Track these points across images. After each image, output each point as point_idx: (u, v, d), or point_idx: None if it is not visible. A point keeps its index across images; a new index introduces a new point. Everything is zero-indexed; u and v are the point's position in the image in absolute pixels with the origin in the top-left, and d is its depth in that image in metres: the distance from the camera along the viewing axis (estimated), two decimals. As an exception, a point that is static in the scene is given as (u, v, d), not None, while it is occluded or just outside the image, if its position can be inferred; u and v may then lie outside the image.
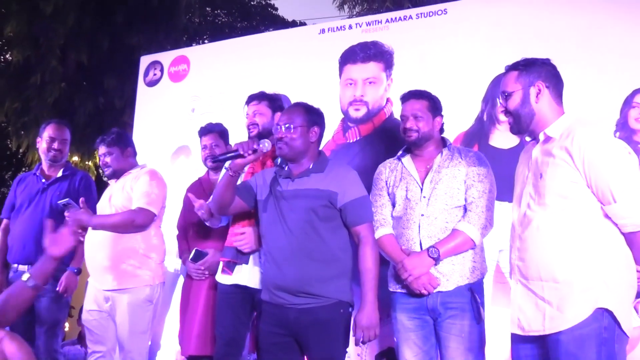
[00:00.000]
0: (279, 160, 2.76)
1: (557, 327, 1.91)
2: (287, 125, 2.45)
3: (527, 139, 2.17)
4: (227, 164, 2.56)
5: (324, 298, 2.37)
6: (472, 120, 3.09)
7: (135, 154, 3.27)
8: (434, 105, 2.53)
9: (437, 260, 2.34)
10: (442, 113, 2.56)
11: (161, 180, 3.17)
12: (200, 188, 3.23)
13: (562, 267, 1.92)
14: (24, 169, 7.48)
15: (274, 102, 2.89)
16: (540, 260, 1.97)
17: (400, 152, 2.61)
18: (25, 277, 2.00)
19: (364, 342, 2.35)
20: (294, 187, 2.47)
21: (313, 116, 2.52)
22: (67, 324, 6.17)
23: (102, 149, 3.19)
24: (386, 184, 2.59)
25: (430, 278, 2.35)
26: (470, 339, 2.31)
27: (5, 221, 3.50)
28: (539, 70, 2.06)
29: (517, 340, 2.06)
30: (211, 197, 2.71)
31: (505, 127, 3.00)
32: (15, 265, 3.38)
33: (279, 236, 2.44)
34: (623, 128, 2.76)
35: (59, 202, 3.05)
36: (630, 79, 2.76)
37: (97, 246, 3.04)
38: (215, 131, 3.30)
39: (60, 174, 3.47)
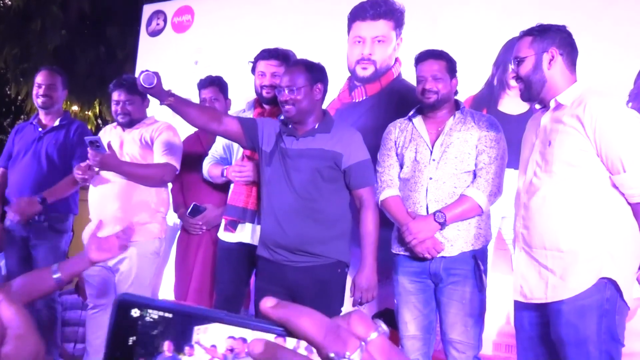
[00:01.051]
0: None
1: (560, 295, 1.91)
2: (290, 88, 2.40)
3: (537, 106, 2.12)
4: None
5: (323, 257, 2.37)
6: (481, 84, 3.02)
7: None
8: (452, 67, 2.47)
9: (443, 225, 2.32)
10: (457, 75, 2.49)
11: (179, 137, 3.16)
12: (198, 141, 3.19)
13: (567, 236, 1.91)
14: (22, 117, 7.41)
15: (289, 62, 2.82)
16: (545, 229, 1.96)
17: (411, 112, 2.55)
18: (53, 267, 1.91)
19: (361, 304, 2.36)
20: (298, 146, 2.44)
21: (315, 73, 2.46)
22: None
23: (121, 95, 3.05)
24: (395, 144, 2.54)
25: (435, 242, 2.33)
26: (472, 306, 2.32)
27: (1, 170, 3.47)
28: (554, 37, 2.02)
29: (520, 307, 2.06)
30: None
31: (515, 93, 2.92)
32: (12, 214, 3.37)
33: (282, 194, 2.42)
34: (636, 98, 2.69)
35: (85, 137, 2.91)
36: (647, 48, 2.68)
37: (109, 197, 2.97)
38: (215, 84, 3.23)
39: (57, 123, 3.43)
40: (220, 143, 2.92)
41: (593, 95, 1.93)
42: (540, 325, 2.01)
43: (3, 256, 3.53)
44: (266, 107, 2.82)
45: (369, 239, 2.37)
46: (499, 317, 2.77)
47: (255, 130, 2.50)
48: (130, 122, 3.08)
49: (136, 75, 3.50)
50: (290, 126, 2.49)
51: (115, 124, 3.17)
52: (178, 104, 2.40)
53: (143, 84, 2.32)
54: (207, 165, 2.94)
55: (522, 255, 2.04)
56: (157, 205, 3.07)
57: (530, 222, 2.01)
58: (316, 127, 2.45)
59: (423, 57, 2.48)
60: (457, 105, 2.49)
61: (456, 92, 2.52)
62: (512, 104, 2.92)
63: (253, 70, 2.82)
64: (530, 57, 2.02)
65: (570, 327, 1.88)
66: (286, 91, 2.41)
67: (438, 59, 2.45)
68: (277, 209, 2.45)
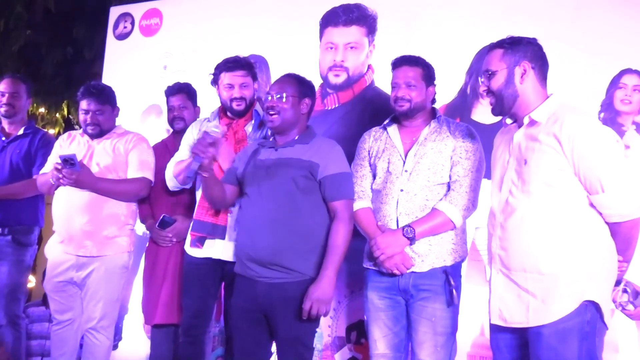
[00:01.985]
0: (251, 124, 2.67)
1: (542, 319, 1.85)
2: (278, 95, 2.36)
3: (508, 121, 2.07)
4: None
5: (295, 273, 2.30)
6: (455, 93, 3.00)
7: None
8: (428, 74, 2.39)
9: (412, 240, 2.25)
10: (436, 82, 2.42)
11: (151, 148, 3.07)
12: (165, 150, 3.11)
13: (547, 258, 1.87)
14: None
15: (253, 70, 2.76)
16: (524, 251, 1.91)
17: (387, 121, 2.48)
18: None
19: (311, 316, 2.25)
20: (276, 156, 2.39)
21: (305, 88, 2.44)
22: (33, 282, 6.06)
23: (90, 104, 2.92)
24: (369, 153, 2.47)
25: (404, 258, 2.26)
26: (441, 324, 2.24)
27: None
28: (525, 50, 1.97)
29: (496, 329, 2.01)
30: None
31: (488, 102, 2.91)
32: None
33: (255, 205, 2.37)
34: (608, 109, 2.70)
35: (60, 155, 2.78)
36: (618, 60, 2.68)
37: (77, 210, 2.85)
38: (183, 91, 3.16)
39: (21, 131, 3.34)
40: (186, 152, 2.82)
41: (569, 113, 1.89)
42: (518, 347, 1.97)
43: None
44: (232, 117, 2.74)
45: (334, 251, 2.28)
46: (472, 329, 2.76)
47: (235, 171, 2.49)
48: (100, 133, 2.98)
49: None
50: (272, 139, 2.46)
51: (80, 131, 3.06)
52: (211, 179, 2.40)
53: (194, 168, 2.30)
54: (170, 170, 2.83)
55: (499, 278, 1.97)
56: (126, 217, 2.98)
57: (508, 243, 1.95)
58: (296, 138, 2.42)
59: (398, 63, 2.41)
60: (434, 114, 2.42)
61: (434, 101, 2.45)
62: (485, 113, 2.89)
63: (214, 82, 2.74)
64: (502, 70, 1.97)
65: (551, 351, 1.83)
66: (275, 97, 2.37)
67: (413, 66, 2.37)
68: (248, 221, 2.39)
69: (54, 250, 2.94)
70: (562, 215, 1.87)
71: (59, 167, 2.76)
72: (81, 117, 2.99)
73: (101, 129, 2.97)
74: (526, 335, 1.91)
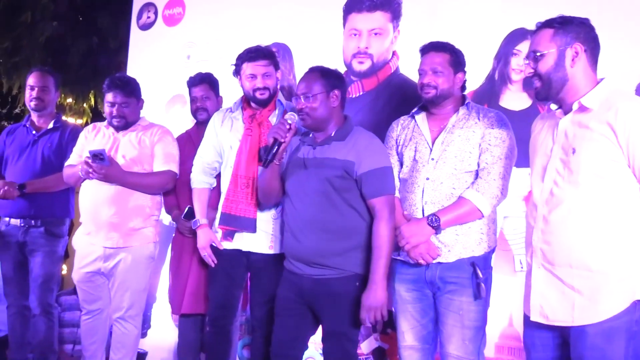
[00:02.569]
0: (275, 114, 2.65)
1: (589, 318, 1.77)
2: (306, 95, 2.33)
3: (553, 106, 1.95)
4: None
5: (338, 270, 2.30)
6: (482, 78, 2.92)
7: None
8: (457, 60, 2.32)
9: (437, 229, 2.20)
10: (465, 69, 2.35)
11: (176, 140, 3.10)
12: (190, 141, 3.12)
13: (596, 254, 1.77)
14: (19, 107, 7.31)
15: (275, 59, 2.73)
16: (571, 246, 1.81)
17: (415, 109, 2.43)
18: None
19: (371, 324, 2.26)
20: (314, 155, 2.37)
21: (331, 79, 2.38)
22: (65, 269, 6.17)
23: (117, 97, 2.94)
24: (396, 142, 2.44)
25: (429, 248, 2.22)
26: (469, 317, 2.20)
27: None
28: (578, 31, 1.85)
29: (533, 326, 1.92)
30: None
31: (517, 88, 2.84)
32: (7, 219, 3.32)
33: (297, 206, 2.37)
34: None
35: (90, 150, 2.83)
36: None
37: (104, 202, 2.88)
38: (205, 82, 3.15)
39: (51, 125, 3.38)
40: (210, 151, 2.83)
41: (624, 100, 1.78)
42: (557, 346, 1.89)
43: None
44: (255, 107, 2.73)
45: (379, 253, 2.24)
46: (501, 319, 2.72)
47: (280, 167, 2.48)
48: (125, 125, 3.00)
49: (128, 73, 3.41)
50: (311, 135, 2.44)
51: (105, 123, 3.08)
52: (278, 169, 2.45)
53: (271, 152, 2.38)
54: (198, 174, 2.86)
55: (541, 273, 1.88)
56: (151, 209, 3.01)
57: (553, 237, 1.85)
58: (332, 134, 2.38)
59: (425, 50, 2.35)
60: (463, 101, 2.36)
61: (464, 88, 2.38)
62: (514, 99, 2.83)
63: (236, 72, 2.73)
64: (552, 52, 1.85)
65: (597, 351, 1.74)
66: (302, 99, 2.35)
67: (440, 52, 2.31)
68: (291, 221, 2.41)
69: (81, 242, 2.99)
70: (612, 209, 1.78)
71: (89, 161, 2.79)
72: (107, 109, 3.01)
73: (127, 121, 2.99)
74: (567, 333, 1.82)
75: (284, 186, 2.47)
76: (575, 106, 1.85)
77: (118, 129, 3.00)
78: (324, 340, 2.39)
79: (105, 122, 3.09)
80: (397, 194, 2.38)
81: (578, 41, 1.84)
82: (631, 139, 1.73)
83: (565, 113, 1.89)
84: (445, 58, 2.30)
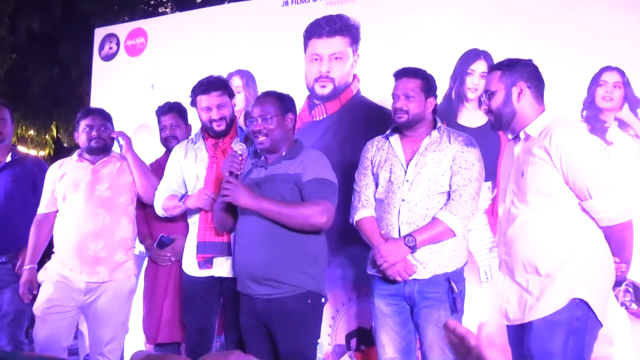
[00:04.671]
0: (236, 140, 2.70)
1: (535, 315, 2.01)
2: (263, 117, 2.40)
3: (509, 136, 2.22)
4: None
5: (290, 287, 2.34)
6: (440, 98, 3.03)
7: None
8: (428, 85, 2.44)
9: (413, 249, 2.32)
10: (436, 93, 2.49)
11: None
12: (160, 169, 3.12)
13: (544, 261, 2.02)
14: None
15: (229, 88, 2.79)
16: (525, 255, 2.06)
17: (389, 131, 2.53)
18: None
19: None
20: (265, 174, 2.44)
21: (286, 103, 2.48)
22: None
23: (95, 120, 2.94)
24: (371, 163, 2.52)
25: (406, 265, 2.33)
26: None
27: None
28: (522, 71, 2.12)
29: (511, 328, 2.17)
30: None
31: (473, 105, 2.97)
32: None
33: (248, 223, 2.41)
34: (590, 107, 2.75)
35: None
36: (598, 57, 2.73)
37: (91, 236, 2.84)
38: (174, 110, 3.19)
39: (9, 158, 3.32)
40: (175, 181, 2.84)
41: (558, 126, 2.03)
42: (519, 342, 2.10)
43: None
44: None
45: (283, 203, 2.35)
46: (471, 329, 2.79)
47: None
48: (104, 147, 2.99)
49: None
50: (263, 158, 2.50)
51: (73, 157, 3.04)
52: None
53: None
54: (160, 199, 2.85)
55: (507, 281, 2.14)
56: (132, 242, 3.00)
57: (511, 249, 2.10)
58: (284, 154, 2.46)
59: (398, 75, 2.48)
60: (435, 123, 2.47)
61: (435, 111, 2.49)
62: (471, 116, 2.95)
63: (193, 103, 2.77)
64: (500, 90, 2.13)
65: (539, 341, 1.98)
66: (259, 120, 2.41)
67: (412, 77, 2.43)
68: (244, 239, 2.43)
69: (56, 275, 2.87)
70: (557, 221, 2.02)
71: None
72: (84, 134, 2.95)
73: (105, 144, 2.98)
74: (523, 330, 2.05)
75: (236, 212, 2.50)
76: (522, 135, 2.13)
77: (96, 153, 2.96)
78: None
79: (73, 156, 3.03)
80: (373, 213, 2.45)
81: (522, 80, 2.12)
82: (563, 159, 1.98)
83: (517, 142, 2.15)
84: (416, 83, 2.42)
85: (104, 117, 3.00)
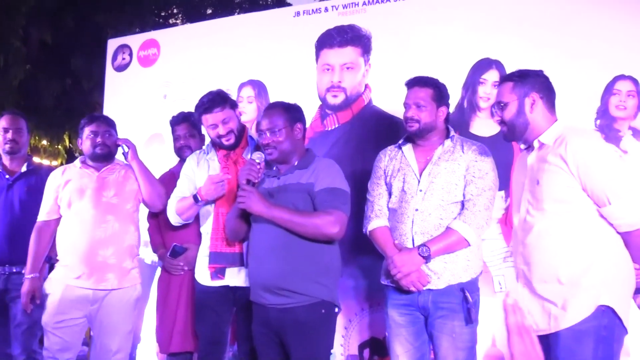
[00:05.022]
0: (248, 150, 2.71)
1: (561, 325, 1.98)
2: (271, 130, 2.40)
3: (522, 146, 2.22)
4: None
5: (304, 297, 2.33)
6: (452, 107, 3.03)
7: None
8: (440, 94, 2.43)
9: (427, 259, 2.30)
10: (449, 102, 2.48)
11: None
12: (173, 179, 3.13)
13: (564, 268, 2.01)
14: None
15: (230, 100, 2.80)
16: (544, 264, 2.05)
17: (401, 140, 2.52)
18: None
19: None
20: (277, 184, 2.44)
21: (293, 113, 2.47)
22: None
23: (100, 126, 2.94)
24: (384, 172, 2.51)
25: (420, 276, 2.31)
26: (461, 339, 2.29)
27: None
28: (533, 82, 2.13)
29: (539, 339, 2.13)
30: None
31: (485, 115, 2.97)
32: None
33: (262, 233, 2.41)
34: (603, 116, 2.74)
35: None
36: (611, 66, 2.73)
37: (101, 242, 2.84)
38: (188, 120, 3.20)
39: (24, 168, 3.34)
40: (187, 185, 2.83)
41: (573, 134, 2.04)
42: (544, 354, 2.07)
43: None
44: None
45: (298, 212, 2.34)
46: (484, 340, 2.78)
47: None
48: (109, 154, 2.99)
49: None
50: (275, 167, 2.50)
51: (77, 163, 3.04)
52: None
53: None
54: (173, 205, 2.84)
55: (525, 291, 2.11)
56: (137, 249, 3.01)
57: (530, 258, 2.09)
58: (295, 164, 2.46)
59: (410, 84, 2.46)
60: (448, 133, 2.46)
61: (448, 120, 2.48)
62: (483, 125, 2.95)
63: (199, 121, 2.80)
64: (513, 102, 2.13)
65: (567, 352, 1.96)
66: (268, 134, 2.41)
67: (423, 87, 2.42)
68: (257, 249, 2.43)
69: (62, 286, 2.86)
70: (575, 228, 2.01)
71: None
72: (88, 141, 2.96)
73: (110, 151, 2.99)
74: (549, 342, 2.01)
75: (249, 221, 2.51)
76: (535, 144, 2.13)
77: (100, 160, 2.97)
78: None
79: (76, 162, 3.03)
80: (386, 223, 2.45)
81: (534, 90, 2.12)
82: (580, 166, 1.98)
83: (531, 151, 2.15)
84: (428, 93, 2.41)
85: (108, 123, 3.00)
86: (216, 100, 2.70)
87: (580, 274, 1.97)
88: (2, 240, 3.19)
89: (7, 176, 3.33)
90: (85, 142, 2.99)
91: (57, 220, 2.98)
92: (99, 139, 2.94)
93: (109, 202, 2.91)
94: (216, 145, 2.81)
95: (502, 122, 2.19)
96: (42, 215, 3.01)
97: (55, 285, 2.88)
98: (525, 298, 2.09)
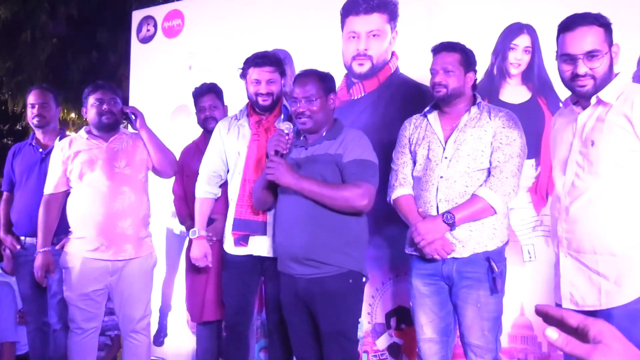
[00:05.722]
0: (280, 119, 2.70)
1: (615, 302, 1.83)
2: (308, 99, 2.37)
3: (562, 103, 2.08)
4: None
5: (332, 267, 2.33)
6: (481, 74, 2.96)
7: None
8: (467, 59, 2.37)
9: (452, 227, 2.26)
10: (476, 68, 2.41)
11: None
12: (198, 151, 3.16)
13: (619, 239, 1.83)
14: (21, 123, 7.37)
15: (282, 66, 2.77)
16: (595, 233, 1.87)
17: (427, 108, 2.48)
18: None
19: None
20: (306, 155, 2.43)
21: (328, 83, 2.45)
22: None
23: (105, 94, 2.92)
24: (409, 141, 2.48)
25: (444, 243, 2.27)
26: (487, 309, 2.26)
27: (6, 194, 3.45)
28: (611, 30, 1.90)
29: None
30: None
31: (516, 81, 2.89)
32: (23, 237, 3.35)
33: (289, 204, 2.41)
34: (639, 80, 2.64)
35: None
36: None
37: (119, 214, 2.86)
38: (212, 91, 3.21)
39: (56, 142, 3.39)
40: (216, 159, 2.85)
41: None
42: None
43: (16, 282, 3.53)
44: (261, 113, 2.77)
45: (327, 184, 2.34)
46: (513, 309, 2.76)
47: None
48: (115, 122, 2.98)
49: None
50: (302, 137, 2.49)
51: (82, 133, 3.02)
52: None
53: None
54: (203, 178, 2.89)
55: (569, 261, 1.95)
56: (150, 218, 3.06)
57: (576, 226, 1.91)
58: (324, 134, 2.44)
59: (437, 50, 2.40)
60: (475, 99, 2.40)
61: (475, 86, 2.43)
62: (513, 93, 2.87)
63: (243, 76, 2.76)
64: (607, 52, 1.86)
65: (622, 332, 1.80)
66: (302, 102, 2.38)
67: (451, 52, 2.36)
68: (284, 220, 2.44)
69: (80, 259, 2.87)
70: (633, 196, 1.84)
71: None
72: (93, 109, 2.92)
73: (116, 120, 2.97)
74: (597, 317, 1.90)
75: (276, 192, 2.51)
76: (593, 100, 1.90)
77: (108, 128, 2.94)
78: (322, 341, 2.39)
79: (81, 132, 3.02)
80: (410, 192, 2.43)
81: (613, 41, 1.88)
82: None
83: (584, 108, 1.95)
84: (455, 58, 2.35)
85: (113, 91, 2.97)
86: (270, 59, 2.71)
87: (636, 246, 1.81)
88: (37, 213, 3.25)
89: (40, 150, 3.38)
90: (91, 110, 2.93)
91: (65, 193, 2.98)
92: (105, 107, 2.90)
93: (122, 173, 2.91)
94: (250, 109, 2.80)
95: (587, 75, 1.86)
96: (49, 188, 2.99)
97: (74, 259, 2.90)
98: (568, 269, 1.93)
